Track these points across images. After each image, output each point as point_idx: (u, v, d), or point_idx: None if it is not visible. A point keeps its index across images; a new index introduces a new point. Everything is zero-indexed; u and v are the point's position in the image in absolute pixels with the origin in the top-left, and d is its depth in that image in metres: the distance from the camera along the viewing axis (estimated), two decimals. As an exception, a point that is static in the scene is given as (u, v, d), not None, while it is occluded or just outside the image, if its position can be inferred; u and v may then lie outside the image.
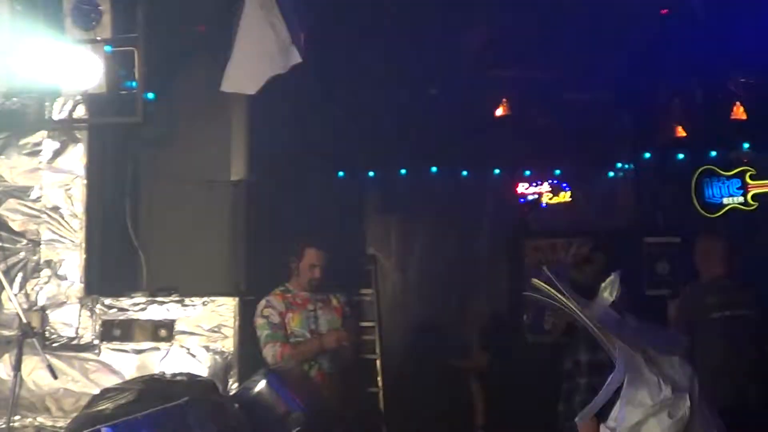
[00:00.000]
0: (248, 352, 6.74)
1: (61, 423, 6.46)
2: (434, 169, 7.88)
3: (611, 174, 9.97)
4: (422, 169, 7.92)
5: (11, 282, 6.72)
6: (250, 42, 6.38)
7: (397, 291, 7.93)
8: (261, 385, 5.65)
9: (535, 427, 7.19)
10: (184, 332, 6.88)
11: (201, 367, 6.76)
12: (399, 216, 7.94)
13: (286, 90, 6.76)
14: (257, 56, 6.38)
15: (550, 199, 9.82)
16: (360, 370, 7.17)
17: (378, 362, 7.50)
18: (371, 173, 7.96)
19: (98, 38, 6.36)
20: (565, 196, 9.83)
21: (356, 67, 7.20)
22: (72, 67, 6.38)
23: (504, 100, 8.45)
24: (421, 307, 7.83)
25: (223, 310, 6.88)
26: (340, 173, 7.91)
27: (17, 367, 5.68)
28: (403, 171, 7.96)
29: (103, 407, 5.17)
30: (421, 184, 7.98)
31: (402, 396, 7.46)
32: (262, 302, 6.50)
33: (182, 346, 6.88)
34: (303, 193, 7.65)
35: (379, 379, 7.47)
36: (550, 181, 9.73)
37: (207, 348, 6.85)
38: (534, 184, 9.74)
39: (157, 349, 6.89)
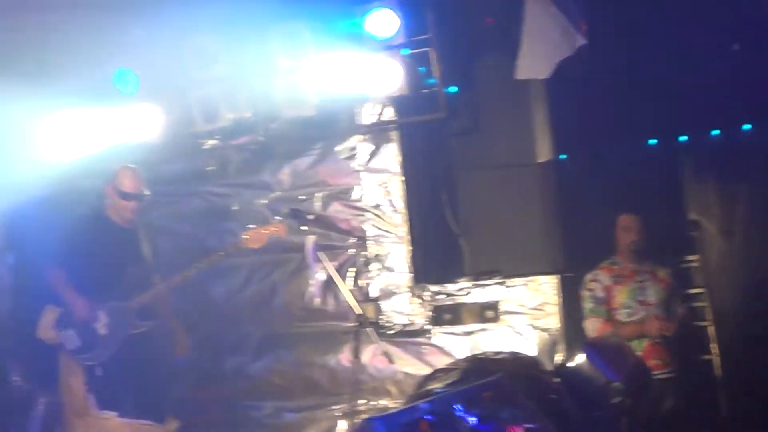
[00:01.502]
0: (573, 328, 7.28)
1: (403, 405, 7.38)
2: (747, 126, 7.89)
3: None
4: (734, 127, 7.96)
5: (344, 277, 7.73)
6: (536, 30, 7.00)
7: (723, 255, 8.04)
8: (580, 357, 5.94)
9: None
10: (509, 312, 7.57)
11: (528, 344, 7.41)
12: (717, 178, 8.03)
13: (581, 67, 7.21)
14: (544, 42, 6.98)
15: None
16: (691, 337, 7.41)
17: (711, 329, 7.70)
18: (683, 137, 8.12)
19: (395, 44, 7.23)
20: None
21: (655, 28, 7.44)
22: (374, 73, 7.32)
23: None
24: (751, 270, 7.87)
25: (545, 288, 7.50)
26: (651, 141, 8.16)
27: (357, 355, 6.55)
28: (714, 132, 8.05)
29: (432, 386, 5.85)
30: (736, 143, 8.03)
31: (737, 362, 7.60)
32: (589, 275, 6.95)
33: (509, 326, 7.56)
34: (614, 165, 8.04)
35: (712, 346, 7.67)
36: None
37: (532, 326, 7.50)
38: None
39: (485, 329, 7.64)
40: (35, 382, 8.66)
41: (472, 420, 4.92)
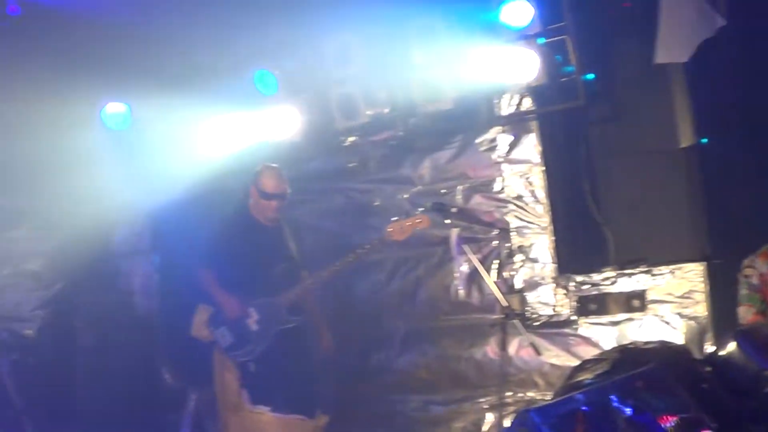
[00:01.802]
0: (722, 316, 7.19)
1: (550, 397, 7.19)
2: None
3: None
4: None
5: (488, 269, 7.82)
6: (674, 12, 6.96)
7: None
8: (731, 345, 5.86)
9: None
10: (655, 301, 7.54)
11: (676, 333, 7.38)
12: None
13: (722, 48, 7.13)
14: (682, 25, 6.92)
15: None
16: None
17: None
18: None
19: (530, 33, 7.29)
20: None
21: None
22: (511, 64, 7.39)
23: None
24: None
25: (692, 276, 7.43)
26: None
27: (503, 347, 6.56)
28: None
29: (582, 378, 5.95)
30: None
31: None
32: (746, 260, 6.67)
33: (656, 315, 7.53)
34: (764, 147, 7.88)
35: None
36: None
37: (680, 314, 7.44)
38: None
39: (632, 319, 7.62)
40: (186, 379, 9.05)
41: (627, 411, 4.98)
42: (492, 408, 7.86)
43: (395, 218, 7.03)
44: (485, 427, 8.01)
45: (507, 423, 7.12)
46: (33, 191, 9.44)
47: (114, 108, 9.08)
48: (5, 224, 9.56)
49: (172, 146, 8.87)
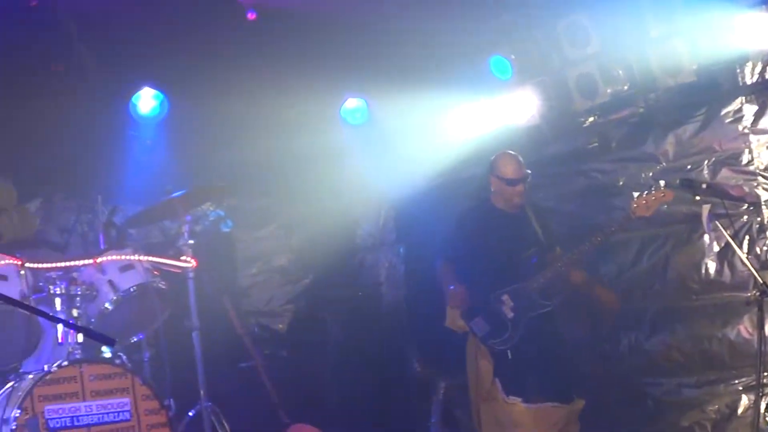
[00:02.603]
0: None
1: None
2: None
3: None
4: None
5: (740, 245, 7.72)
6: None
7: None
8: None
9: None
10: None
11: None
12: None
13: None
14: None
15: None
16: None
17: None
18: None
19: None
20: None
21: None
22: (753, 30, 7.36)
23: None
24: None
25: None
26: None
27: (761, 325, 6.45)
28: None
29: None
30: None
31: None
32: None
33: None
34: None
35: None
36: None
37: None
38: None
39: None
40: (434, 368, 9.35)
41: None
42: (748, 389, 7.76)
43: (637, 193, 7.12)
44: (740, 409, 7.88)
45: (765, 405, 7.08)
46: (279, 190, 10.07)
47: (352, 104, 9.63)
48: (255, 224, 10.25)
49: (411, 138, 9.30)
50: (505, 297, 7.20)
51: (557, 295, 7.33)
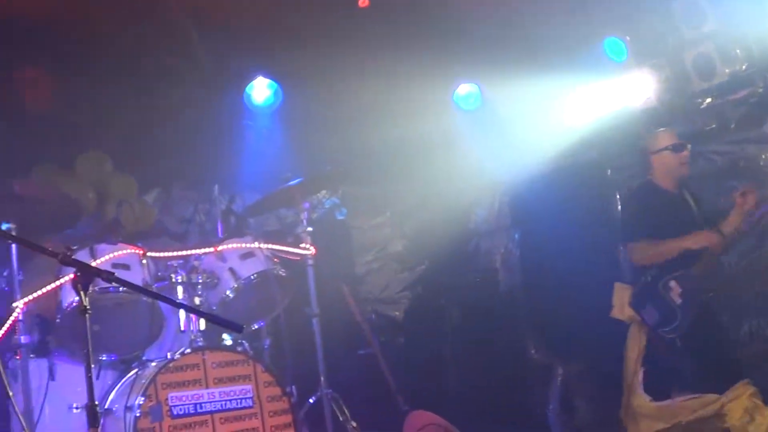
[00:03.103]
0: None
1: None
2: None
3: None
4: None
5: None
6: None
7: None
8: None
9: None
10: None
11: None
12: None
13: None
14: None
15: None
16: None
17: None
18: None
19: None
20: None
21: None
22: None
23: None
24: None
25: None
26: None
27: None
28: None
29: None
30: None
31: None
32: None
33: None
34: None
35: None
36: None
37: None
38: None
39: None
40: (552, 354, 9.23)
41: None
42: None
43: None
44: None
45: None
46: (393, 177, 10.07)
47: (465, 89, 9.57)
48: (371, 212, 10.30)
49: (525, 122, 9.26)
50: (672, 283, 7.09)
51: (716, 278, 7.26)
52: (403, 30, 8.56)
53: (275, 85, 9.01)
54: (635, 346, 7.17)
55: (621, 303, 7.30)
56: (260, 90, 9.03)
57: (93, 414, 4.49)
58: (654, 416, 6.98)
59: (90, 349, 4.44)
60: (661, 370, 7.07)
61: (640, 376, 7.07)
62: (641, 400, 7.04)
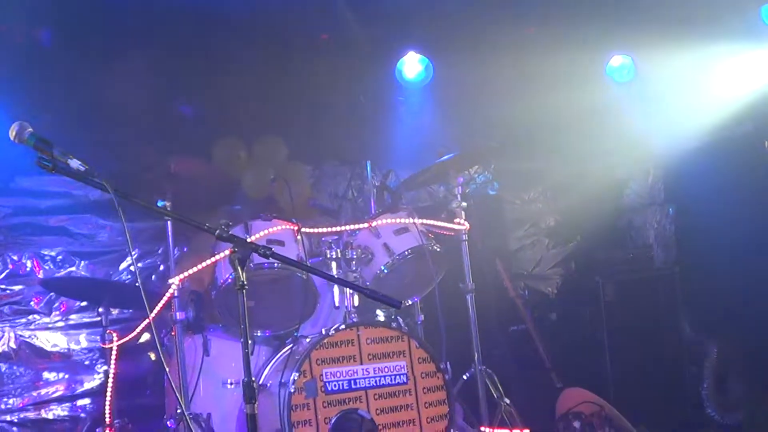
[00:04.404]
0: None
1: None
2: None
3: None
4: None
5: None
6: None
7: None
8: None
9: None
10: None
11: None
12: None
13: None
14: None
15: None
16: None
17: None
18: None
19: None
20: None
21: None
22: None
23: None
24: None
25: None
26: None
27: None
28: None
29: None
30: None
31: None
32: None
33: None
34: None
35: None
36: None
37: None
38: None
39: None
40: (706, 331, 8.88)
41: None
42: None
43: None
44: None
45: None
46: (545, 151, 9.82)
47: (618, 61, 9.28)
48: (522, 186, 10.10)
49: (680, 94, 8.96)
50: None
51: None
52: (554, 1, 8.34)
53: (426, 60, 8.88)
54: None
55: None
56: (411, 65, 8.92)
57: (250, 390, 4.49)
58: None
59: (246, 325, 4.38)
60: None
61: None
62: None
